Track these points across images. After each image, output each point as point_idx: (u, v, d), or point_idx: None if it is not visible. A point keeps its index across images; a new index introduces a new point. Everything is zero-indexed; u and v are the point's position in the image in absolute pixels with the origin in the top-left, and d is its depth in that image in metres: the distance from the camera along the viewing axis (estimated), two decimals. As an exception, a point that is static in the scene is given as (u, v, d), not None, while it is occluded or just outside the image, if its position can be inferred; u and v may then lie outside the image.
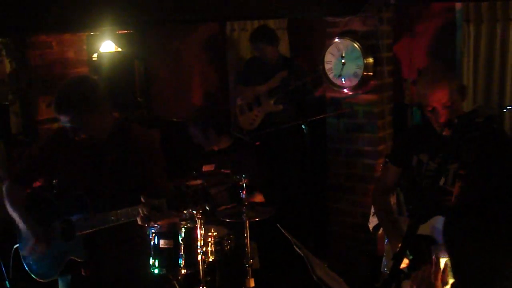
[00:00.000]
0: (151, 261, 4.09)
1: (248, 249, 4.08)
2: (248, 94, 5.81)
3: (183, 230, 4.07)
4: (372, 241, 4.86)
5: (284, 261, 5.08)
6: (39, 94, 5.70)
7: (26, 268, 3.29)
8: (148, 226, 2.94)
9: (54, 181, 3.23)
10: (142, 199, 2.75)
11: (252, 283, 4.11)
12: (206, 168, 4.68)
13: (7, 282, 2.67)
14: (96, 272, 3.15)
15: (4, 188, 3.23)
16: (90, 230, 3.01)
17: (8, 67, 5.62)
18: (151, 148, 3.17)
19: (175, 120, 6.63)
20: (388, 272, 3.37)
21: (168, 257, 4.10)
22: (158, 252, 4.10)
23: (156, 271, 4.08)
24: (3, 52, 5.57)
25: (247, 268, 4.11)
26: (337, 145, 5.16)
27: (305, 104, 5.70)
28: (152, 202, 2.77)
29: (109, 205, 3.00)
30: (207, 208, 2.92)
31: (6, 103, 5.70)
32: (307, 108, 5.61)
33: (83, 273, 3.18)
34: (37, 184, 3.29)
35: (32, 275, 3.26)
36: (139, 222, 2.85)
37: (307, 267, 2.71)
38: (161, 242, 4.11)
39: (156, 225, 4.14)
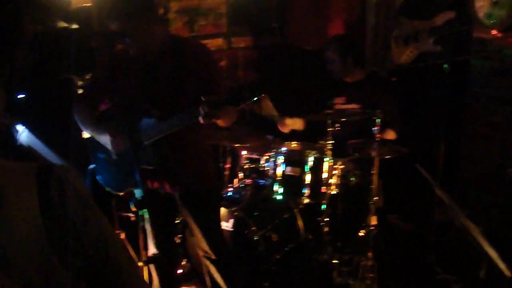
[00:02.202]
0: (275, 187, 4.10)
1: (374, 186, 3.96)
2: (408, 27, 5.44)
3: (311, 160, 4.03)
4: (507, 193, 4.61)
5: (407, 202, 4.95)
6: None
7: (102, 183, 3.42)
8: (209, 123, 2.98)
9: (119, 99, 3.32)
10: (202, 98, 2.80)
11: (374, 221, 3.99)
12: (337, 100, 4.57)
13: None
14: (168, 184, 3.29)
15: (74, 111, 3.34)
16: (157, 137, 3.11)
17: None
18: (206, 58, 3.22)
19: (309, 49, 6.49)
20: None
21: (292, 185, 4.09)
22: (283, 178, 4.09)
23: (279, 197, 4.09)
24: None
25: (370, 206, 4.01)
26: (478, 89, 4.86)
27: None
28: (211, 99, 2.82)
29: (171, 114, 3.08)
30: (263, 96, 2.89)
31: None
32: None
33: (169, 189, 3.33)
34: (102, 106, 3.39)
35: (108, 189, 3.39)
36: (201, 121, 2.89)
37: (430, 211, 2.59)
38: (288, 169, 4.10)
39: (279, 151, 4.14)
